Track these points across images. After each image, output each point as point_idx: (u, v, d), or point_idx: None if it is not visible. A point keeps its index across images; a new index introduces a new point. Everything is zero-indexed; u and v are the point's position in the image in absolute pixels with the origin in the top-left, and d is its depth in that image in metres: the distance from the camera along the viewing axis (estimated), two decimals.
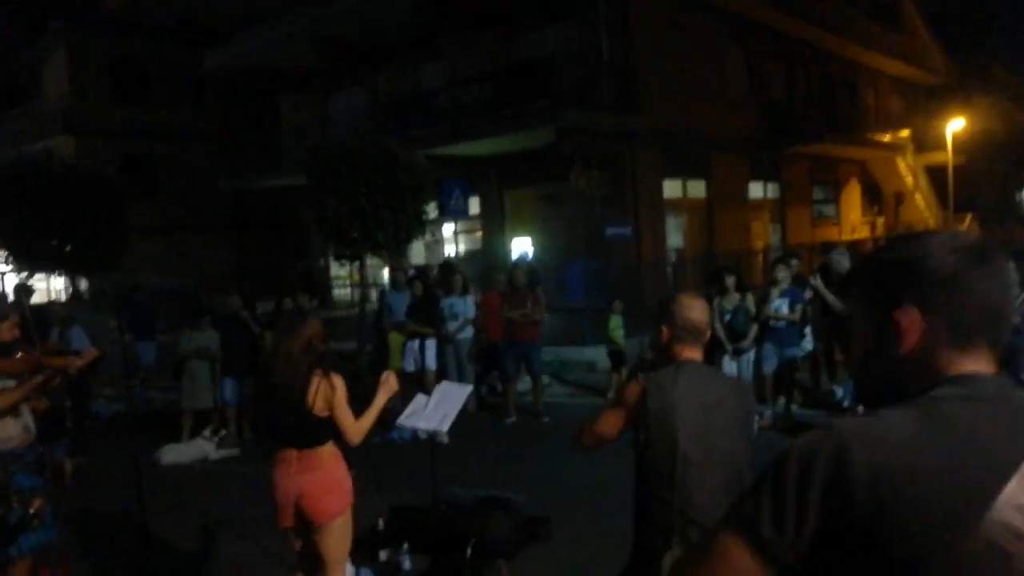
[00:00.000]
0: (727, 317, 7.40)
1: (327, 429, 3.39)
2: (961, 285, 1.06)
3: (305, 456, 3.38)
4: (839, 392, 7.80)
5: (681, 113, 13.80)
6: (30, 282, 12.66)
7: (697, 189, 15.19)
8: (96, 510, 5.92)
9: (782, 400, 7.69)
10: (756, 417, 2.72)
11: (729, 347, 7.41)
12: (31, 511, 3.64)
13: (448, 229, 16.47)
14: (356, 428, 3.40)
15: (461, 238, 16.53)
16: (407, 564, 4.41)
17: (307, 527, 3.39)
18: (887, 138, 20.49)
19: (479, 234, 15.89)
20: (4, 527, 3.58)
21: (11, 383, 3.74)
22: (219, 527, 5.64)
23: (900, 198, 21.25)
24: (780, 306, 7.40)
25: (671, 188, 14.49)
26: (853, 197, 20.81)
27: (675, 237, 14.75)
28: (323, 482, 3.37)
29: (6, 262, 15.14)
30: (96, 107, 20.97)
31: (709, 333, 2.62)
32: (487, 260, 15.19)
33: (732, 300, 7.45)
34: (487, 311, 8.73)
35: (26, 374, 3.84)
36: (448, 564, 3.82)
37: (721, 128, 14.83)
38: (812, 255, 14.43)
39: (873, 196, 21.65)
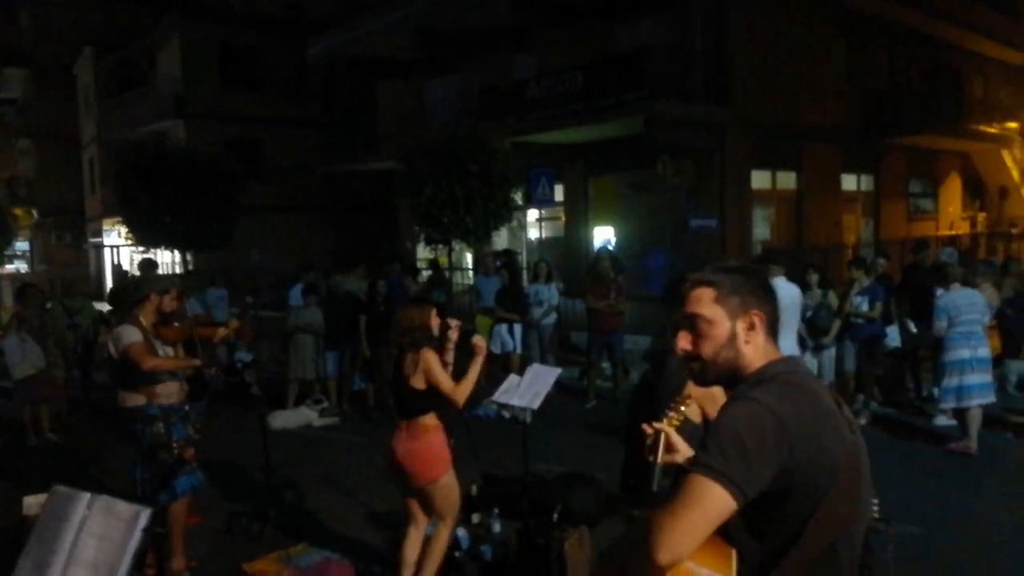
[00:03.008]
0: (809, 313, 7.49)
1: (424, 402, 3.80)
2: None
3: (410, 426, 3.84)
4: (938, 392, 7.47)
5: (774, 102, 13.66)
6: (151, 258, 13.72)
7: (787, 180, 15.00)
8: (222, 462, 6.61)
9: (861, 397, 7.74)
10: None
11: (811, 343, 7.50)
12: (184, 457, 4.24)
13: (532, 215, 16.82)
14: (455, 390, 3.75)
15: (544, 225, 16.86)
16: (497, 527, 4.84)
17: (413, 487, 3.88)
18: (994, 129, 19.55)
19: (562, 221, 16.18)
20: (164, 470, 4.19)
21: (169, 349, 4.34)
22: (325, 485, 6.24)
23: (1005, 193, 20.27)
24: (860, 304, 7.43)
25: (760, 179, 14.37)
26: (953, 191, 19.99)
27: (763, 229, 14.65)
28: (421, 450, 3.81)
29: (126, 237, 16.44)
30: (205, 93, 22.23)
31: None
32: (569, 247, 15.50)
33: (814, 296, 7.53)
34: None
35: (179, 342, 4.44)
36: (536, 528, 4.21)
37: (815, 118, 14.58)
38: (904, 252, 14.07)
39: (975, 190, 20.71)
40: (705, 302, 1.69)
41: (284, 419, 8.02)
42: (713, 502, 1.46)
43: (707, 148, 13.17)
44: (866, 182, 17.08)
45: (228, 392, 8.98)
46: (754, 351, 1.67)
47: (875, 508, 2.71)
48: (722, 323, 1.67)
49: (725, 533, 1.52)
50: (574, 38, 14.77)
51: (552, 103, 13.44)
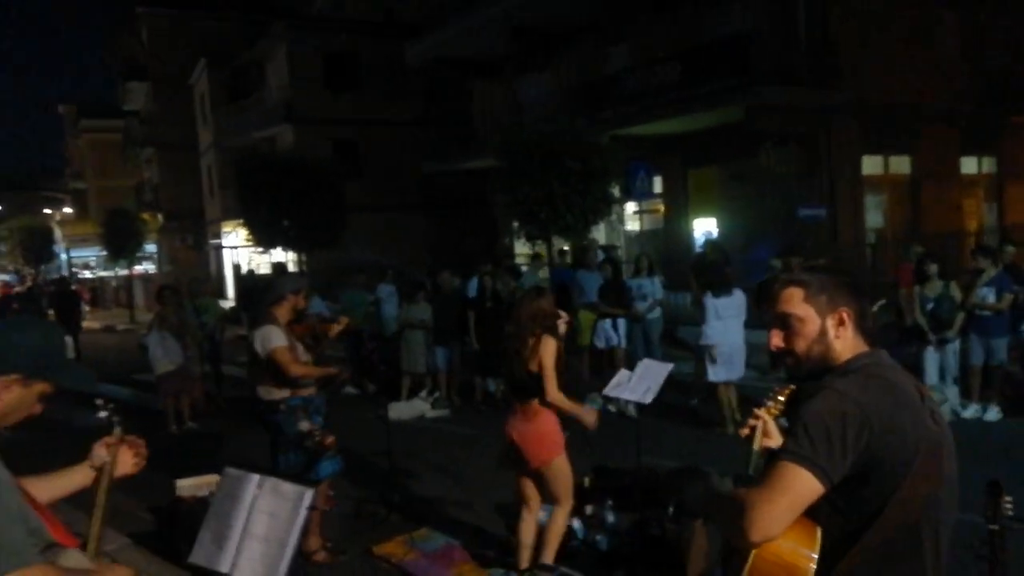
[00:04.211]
0: (930, 306, 7.20)
1: (537, 385, 3.98)
2: None
3: (524, 408, 4.05)
4: None
5: (884, 83, 13.03)
6: (267, 258, 14.55)
7: (901, 165, 14.32)
8: (345, 451, 7.02)
9: (990, 393, 7.37)
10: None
11: (933, 337, 7.21)
12: (325, 444, 4.58)
13: (629, 208, 16.74)
14: (554, 392, 3.94)
15: (643, 217, 16.76)
16: (611, 518, 4.95)
17: (528, 468, 4.08)
18: None
19: (660, 213, 16.03)
20: (308, 456, 4.55)
21: (300, 346, 4.71)
22: (441, 474, 6.54)
23: None
24: (986, 295, 7.07)
25: (871, 164, 13.79)
26: None
27: (875, 217, 14.04)
28: (534, 432, 4.02)
29: (246, 239, 17.46)
30: (311, 98, 23.23)
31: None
32: (669, 240, 15.35)
33: (935, 288, 7.22)
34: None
35: (308, 337, 4.81)
36: (650, 520, 4.30)
37: (929, 97, 13.83)
38: None
39: None
40: (795, 302, 1.82)
41: (398, 411, 8.40)
42: (802, 487, 1.60)
43: (813, 134, 12.76)
44: (988, 164, 16.07)
45: (385, 384, 9.49)
46: (843, 345, 1.79)
47: (1009, 506, 2.68)
48: (812, 320, 1.80)
49: (810, 512, 1.65)
50: (665, 27, 14.58)
51: (649, 94, 13.33)
